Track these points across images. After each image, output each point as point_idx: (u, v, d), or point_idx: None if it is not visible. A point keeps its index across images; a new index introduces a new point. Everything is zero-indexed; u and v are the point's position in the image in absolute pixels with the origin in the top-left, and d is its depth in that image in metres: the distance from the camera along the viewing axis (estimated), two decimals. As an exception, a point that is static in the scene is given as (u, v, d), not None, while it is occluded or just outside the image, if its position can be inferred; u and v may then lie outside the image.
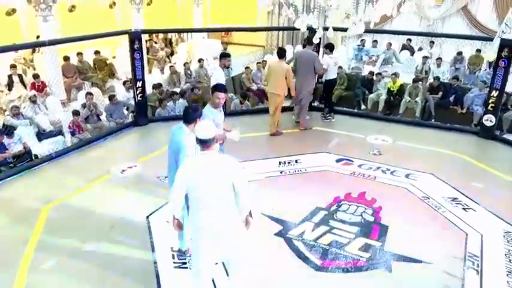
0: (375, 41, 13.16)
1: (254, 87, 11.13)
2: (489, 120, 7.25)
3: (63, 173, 6.00)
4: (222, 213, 3.03)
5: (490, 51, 7.07)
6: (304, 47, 7.93)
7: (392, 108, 10.48)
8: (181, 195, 3.06)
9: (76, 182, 5.65)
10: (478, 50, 11.94)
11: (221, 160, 3.06)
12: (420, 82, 10.45)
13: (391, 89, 10.50)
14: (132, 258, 4.17)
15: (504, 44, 6.73)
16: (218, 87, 4.69)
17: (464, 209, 5.10)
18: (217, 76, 6.89)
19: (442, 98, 10.12)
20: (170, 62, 13.02)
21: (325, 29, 6.30)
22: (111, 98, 8.22)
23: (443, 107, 10.05)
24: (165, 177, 5.67)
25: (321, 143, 7.08)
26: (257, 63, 11.69)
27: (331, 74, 8.28)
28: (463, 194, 5.43)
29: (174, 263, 4.10)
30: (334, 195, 5.32)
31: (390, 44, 12.79)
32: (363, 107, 10.59)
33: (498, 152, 6.90)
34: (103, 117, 8.24)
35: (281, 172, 6.00)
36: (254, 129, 7.50)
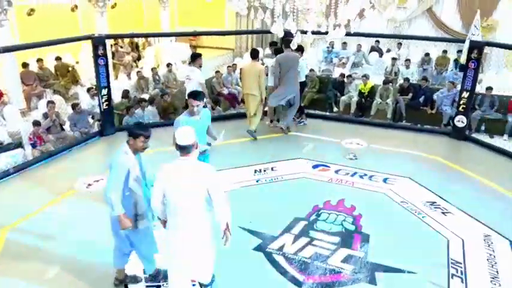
0: (344, 43, 13.20)
1: (225, 91, 10.89)
2: (460, 121, 7.31)
3: (23, 190, 5.58)
4: (195, 221, 3.00)
5: (461, 54, 7.13)
6: (277, 51, 7.76)
7: (364, 110, 10.51)
8: (159, 201, 3.08)
9: (37, 200, 5.24)
10: (445, 51, 12.17)
11: (197, 167, 3.03)
12: (390, 84, 10.54)
13: (362, 90, 10.52)
14: (101, 286, 3.84)
15: (473, 46, 6.80)
16: (193, 94, 4.45)
17: (443, 213, 5.06)
18: (197, 76, 6.89)
19: (412, 99, 10.21)
20: (137, 66, 12.60)
21: (303, 32, 6.15)
22: (75, 106, 7.78)
23: (413, 108, 10.13)
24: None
25: (296, 148, 6.93)
26: (227, 66, 11.46)
27: (303, 76, 8.18)
28: (440, 197, 5.40)
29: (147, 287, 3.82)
30: (312, 204, 5.17)
31: (360, 46, 12.85)
32: (335, 109, 10.55)
33: (471, 152, 6.97)
34: (66, 127, 7.78)
35: (257, 181, 5.80)
36: (227, 135, 7.26)
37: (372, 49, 13.44)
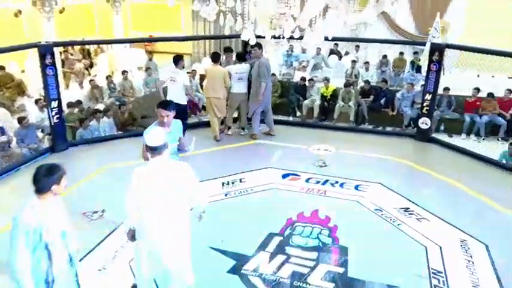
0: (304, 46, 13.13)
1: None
2: (424, 123, 7.36)
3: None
4: (170, 220, 3.01)
5: (423, 56, 7.18)
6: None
7: (327, 114, 10.47)
8: (134, 204, 3.04)
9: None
10: (401, 53, 12.40)
11: (172, 166, 3.08)
12: (351, 86, 10.57)
13: (324, 94, 10.48)
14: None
15: (434, 48, 6.85)
16: (163, 104, 4.14)
17: (418, 219, 4.98)
18: (181, 78, 6.95)
19: (374, 101, 10.28)
20: (89, 74, 11.91)
21: (259, 37, 5.95)
22: (21, 120, 7.13)
23: (375, 110, 10.20)
24: (94, 213, 4.95)
25: (264, 157, 6.69)
26: (186, 73, 11.03)
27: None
28: (413, 202, 5.33)
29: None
30: (286, 217, 4.93)
31: (319, 49, 12.85)
32: (298, 113, 10.45)
33: (436, 154, 7.01)
34: (13, 143, 7.13)
35: (226, 195, 5.50)
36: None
37: (331, 52, 13.48)
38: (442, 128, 9.85)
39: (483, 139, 9.24)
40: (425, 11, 13.86)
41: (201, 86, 11.51)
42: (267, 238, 4.52)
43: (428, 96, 7.16)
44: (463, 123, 9.39)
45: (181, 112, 6.98)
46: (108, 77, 10.16)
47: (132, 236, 3.23)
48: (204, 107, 10.96)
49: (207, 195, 3.28)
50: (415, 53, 12.20)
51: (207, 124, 7.76)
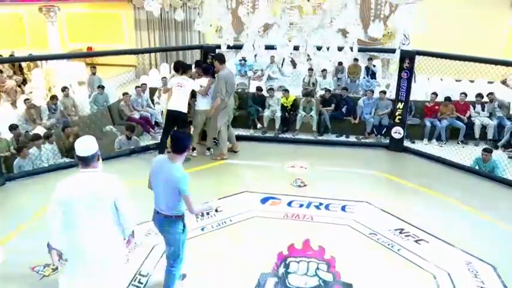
0: (257, 55, 12.66)
1: (136, 115, 9.61)
2: (397, 132, 7.14)
3: None
4: (100, 236, 2.85)
5: (392, 64, 6.96)
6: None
7: (288, 125, 10.08)
8: (57, 220, 2.81)
9: None
10: (356, 60, 12.32)
11: (101, 179, 2.87)
12: (312, 96, 10.26)
13: (285, 104, 10.08)
14: None
15: (404, 55, 6.63)
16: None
17: (416, 241, 4.61)
18: (190, 84, 6.54)
19: (335, 110, 10.04)
20: (23, 92, 10.62)
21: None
22: None
23: (337, 119, 9.95)
24: (46, 266, 4.07)
25: (237, 179, 6.09)
26: (136, 87, 10.16)
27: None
28: (405, 222, 4.98)
29: None
30: (276, 251, 4.36)
31: (273, 58, 12.46)
32: (258, 125, 9.95)
33: (414, 165, 6.77)
34: None
35: (202, 229, 4.81)
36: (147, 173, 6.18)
37: (272, 60, 13.13)
38: (404, 134, 9.81)
39: (445, 143, 9.29)
40: (370, 18, 13.99)
41: (152, 101, 10.74)
42: (260, 281, 3.91)
43: (400, 105, 6.95)
44: (424, 128, 9.38)
45: (182, 121, 6.45)
46: (53, 98, 8.89)
47: (57, 254, 2.97)
48: (157, 123, 10.18)
49: (134, 218, 3.03)
50: (370, 59, 12.18)
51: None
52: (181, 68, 6.70)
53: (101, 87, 10.14)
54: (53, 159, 6.88)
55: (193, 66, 7.17)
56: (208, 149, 7.04)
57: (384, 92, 9.97)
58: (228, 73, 6.63)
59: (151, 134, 9.58)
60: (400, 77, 6.82)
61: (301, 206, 5.34)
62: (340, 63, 12.15)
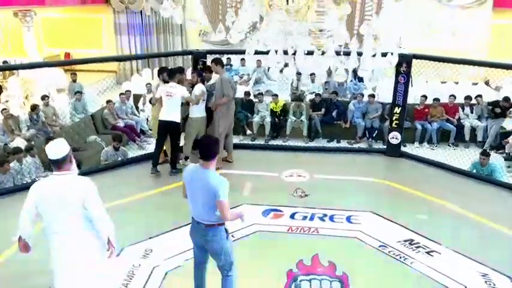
0: (243, 59, 12.44)
1: (120, 123, 9.23)
2: (395, 137, 7.01)
3: None
4: (74, 240, 2.81)
5: (388, 68, 6.82)
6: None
7: (278, 130, 9.88)
8: (28, 217, 2.82)
9: None
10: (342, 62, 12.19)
11: (71, 182, 2.82)
12: (302, 100, 10.08)
13: (274, 109, 9.89)
14: None
15: (401, 59, 6.48)
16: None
17: (427, 253, 4.44)
18: (180, 91, 6.12)
19: (325, 114, 9.89)
20: (-1, 101, 10.07)
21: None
22: None
23: (328, 124, 9.82)
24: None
25: (233, 191, 5.73)
26: (120, 94, 9.76)
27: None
28: (414, 231, 4.81)
29: None
30: (285, 269, 4.11)
31: (260, 62, 12.25)
32: (248, 132, 9.72)
33: (412, 170, 6.64)
34: None
35: (204, 247, 4.52)
36: (140, 187, 5.88)
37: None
38: (402, 139, 9.74)
39: (436, 146, 9.25)
40: (354, 20, 13.94)
41: (137, 108, 10.36)
42: (272, 303, 3.66)
43: (397, 110, 6.82)
44: (415, 131, 9.32)
45: (175, 131, 6.16)
46: (35, 108, 8.36)
47: (24, 246, 2.90)
48: (142, 131, 9.81)
49: (110, 225, 2.87)
50: (357, 62, 12.08)
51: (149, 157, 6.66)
52: (167, 74, 6.38)
53: (79, 92, 9.70)
54: (35, 173, 6.45)
55: (189, 71, 6.85)
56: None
57: (373, 96, 9.89)
58: (230, 77, 6.41)
59: (138, 143, 9.22)
60: (397, 81, 6.69)
61: (304, 218, 5.11)
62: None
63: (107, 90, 10.89)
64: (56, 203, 2.76)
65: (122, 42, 14.73)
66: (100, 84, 11.48)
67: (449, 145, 9.41)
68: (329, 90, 11.47)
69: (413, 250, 4.48)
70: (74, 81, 10.37)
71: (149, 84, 10.57)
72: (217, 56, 7.05)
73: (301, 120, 9.76)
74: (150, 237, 4.66)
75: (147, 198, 5.61)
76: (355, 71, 12.04)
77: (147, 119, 10.07)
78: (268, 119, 9.71)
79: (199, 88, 6.30)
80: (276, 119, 9.85)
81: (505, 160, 7.99)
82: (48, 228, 2.85)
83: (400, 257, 4.36)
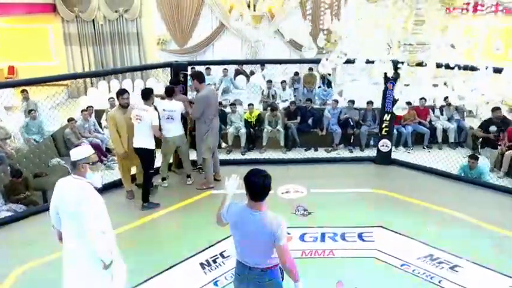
0: (208, 69, 11.96)
1: (85, 143, 8.42)
2: (385, 145, 6.87)
3: None
4: (72, 243, 2.92)
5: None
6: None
7: (254, 141, 9.53)
8: (53, 209, 3.03)
9: None
10: (311, 69, 12.11)
11: (77, 187, 2.89)
12: (277, 109, 9.78)
13: (249, 120, 9.53)
14: None
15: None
16: None
17: (451, 268, 4.25)
18: (149, 116, 5.41)
19: (301, 123, 9.67)
20: None
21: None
22: None
23: (304, 132, 9.61)
24: None
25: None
26: (82, 111, 8.95)
27: None
28: (431, 246, 4.62)
29: None
30: (310, 301, 3.73)
31: (226, 70, 11.84)
32: (223, 144, 9.27)
33: (408, 178, 6.50)
34: None
35: (215, 284, 4.05)
36: (123, 216, 5.26)
37: (237, 72, 12.58)
38: (372, 142, 9.70)
39: (412, 149, 9.31)
40: (318, 26, 13.93)
41: (100, 124, 9.56)
42: None
43: (387, 117, 6.69)
44: (391, 135, 9.30)
45: (148, 159, 5.49)
46: None
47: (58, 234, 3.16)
48: (108, 150, 9.05)
49: (98, 240, 2.87)
50: (325, 68, 12.01)
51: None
52: (143, 95, 5.71)
53: (33, 110, 8.77)
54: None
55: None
56: (189, 176, 6.23)
57: (353, 102, 9.79)
58: (209, 92, 5.91)
59: (105, 163, 8.48)
60: (385, 88, 6.55)
61: (315, 239, 4.77)
62: (296, 74, 11.84)
63: (59, 105, 9.97)
64: (59, 203, 2.95)
65: (73, 54, 13.74)
66: (51, 100, 10.40)
67: (423, 147, 9.52)
68: (297, 97, 11.31)
69: (437, 266, 4.28)
70: (26, 99, 9.39)
71: (112, 98, 9.82)
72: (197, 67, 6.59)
73: (278, 130, 9.47)
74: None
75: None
76: (323, 77, 12.01)
77: (112, 136, 9.33)
78: (243, 130, 9.33)
79: (169, 105, 5.85)
80: (251, 130, 9.50)
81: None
82: (63, 228, 3.03)
83: (427, 276, 4.13)
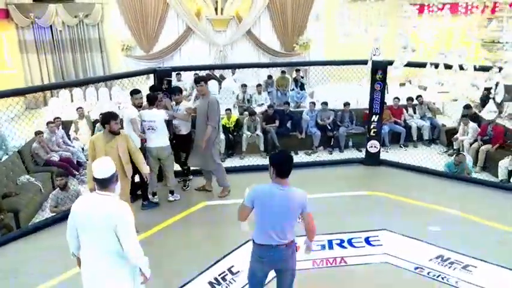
0: (178, 74, 11.58)
1: (55, 157, 7.86)
2: (373, 146, 6.84)
3: None
4: (101, 262, 2.76)
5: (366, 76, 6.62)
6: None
7: (234, 147, 9.32)
8: (70, 233, 2.88)
9: None
10: (283, 72, 12.03)
11: (107, 204, 2.74)
12: (255, 114, 9.60)
13: (227, 125, 9.32)
14: None
15: (377, 66, 6.36)
16: None
17: (464, 268, 4.22)
18: (127, 113, 5.42)
19: (280, 126, 9.55)
20: None
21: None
22: None
23: (283, 135, 9.51)
24: None
25: (232, 225, 5.07)
26: (48, 123, 8.34)
27: None
28: (439, 246, 4.58)
29: None
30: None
31: (197, 76, 11.47)
32: (201, 152, 8.95)
33: (399, 178, 6.49)
34: None
35: (229, 301, 3.79)
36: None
37: (209, 77, 12.25)
38: (350, 143, 9.75)
39: (389, 148, 9.43)
40: (287, 29, 13.94)
41: (69, 137, 8.93)
42: None
43: (374, 118, 6.66)
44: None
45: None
46: None
47: (78, 260, 3.00)
48: (79, 163, 8.48)
49: (140, 255, 2.80)
50: (297, 70, 11.99)
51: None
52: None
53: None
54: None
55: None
56: (171, 192, 5.86)
57: (326, 103, 9.79)
58: (215, 96, 5.73)
59: (78, 177, 7.96)
60: (373, 89, 6.54)
61: (323, 247, 4.61)
62: (269, 77, 11.72)
63: (15, 117, 9.22)
64: (87, 221, 2.73)
65: (30, 62, 12.89)
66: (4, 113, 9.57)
67: (400, 146, 9.68)
68: (272, 100, 11.19)
69: (449, 267, 4.24)
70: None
71: (80, 108, 9.26)
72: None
73: (257, 135, 9.31)
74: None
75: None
76: (296, 80, 11.98)
77: (83, 148, 8.78)
78: (222, 136, 9.04)
79: (153, 114, 5.54)
80: (230, 135, 9.27)
81: (450, 156, 8.45)
82: (82, 245, 2.84)
83: (443, 278, 4.08)
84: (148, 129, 5.51)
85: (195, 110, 5.85)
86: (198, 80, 5.67)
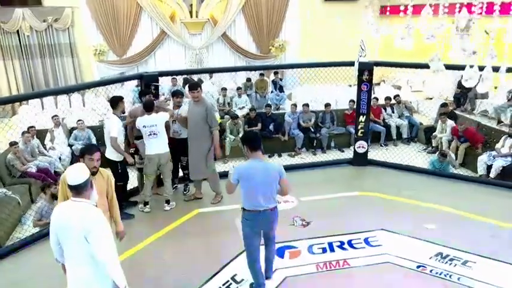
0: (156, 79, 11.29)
1: (32, 168, 7.50)
2: (361, 146, 6.90)
3: None
4: (80, 270, 2.70)
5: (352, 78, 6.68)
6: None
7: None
8: (53, 240, 2.80)
9: None
10: (262, 74, 11.99)
11: (82, 211, 2.67)
12: (238, 118, 9.51)
13: (210, 130, 9.13)
14: None
15: (363, 67, 6.42)
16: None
17: (464, 264, 4.29)
18: (109, 126, 5.29)
19: (263, 129, 9.50)
20: None
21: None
22: None
23: (267, 138, 9.43)
24: None
25: (228, 232, 4.98)
26: (23, 133, 7.95)
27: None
28: (437, 244, 4.65)
29: None
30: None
31: (175, 80, 11.31)
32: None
33: (389, 178, 6.57)
34: None
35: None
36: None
37: (186, 81, 12.06)
38: (332, 144, 9.81)
39: (370, 147, 9.54)
40: (262, 32, 13.91)
41: (44, 146, 8.55)
42: None
43: (362, 118, 6.72)
44: (350, 136, 9.49)
45: (113, 171, 4.88)
46: None
47: (63, 267, 2.92)
48: (56, 173, 8.12)
49: (114, 263, 2.67)
50: (276, 72, 11.99)
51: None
52: (110, 103, 5.39)
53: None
54: None
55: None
56: (167, 201, 5.69)
57: (307, 105, 9.82)
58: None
59: (55, 188, 7.59)
60: (360, 90, 6.60)
61: (324, 250, 4.59)
62: (248, 80, 11.65)
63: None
64: (63, 229, 2.68)
65: (7, 68, 12.26)
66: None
67: (381, 145, 9.82)
68: (252, 103, 11.14)
69: (450, 264, 4.30)
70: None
71: (56, 116, 8.88)
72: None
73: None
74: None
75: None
76: (274, 82, 11.98)
77: (60, 157, 8.43)
78: (205, 141, 8.90)
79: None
80: (213, 140, 9.13)
81: (429, 153, 8.66)
82: (65, 254, 2.78)
83: (446, 275, 4.12)
84: (150, 134, 5.34)
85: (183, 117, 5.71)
86: (195, 86, 5.54)
